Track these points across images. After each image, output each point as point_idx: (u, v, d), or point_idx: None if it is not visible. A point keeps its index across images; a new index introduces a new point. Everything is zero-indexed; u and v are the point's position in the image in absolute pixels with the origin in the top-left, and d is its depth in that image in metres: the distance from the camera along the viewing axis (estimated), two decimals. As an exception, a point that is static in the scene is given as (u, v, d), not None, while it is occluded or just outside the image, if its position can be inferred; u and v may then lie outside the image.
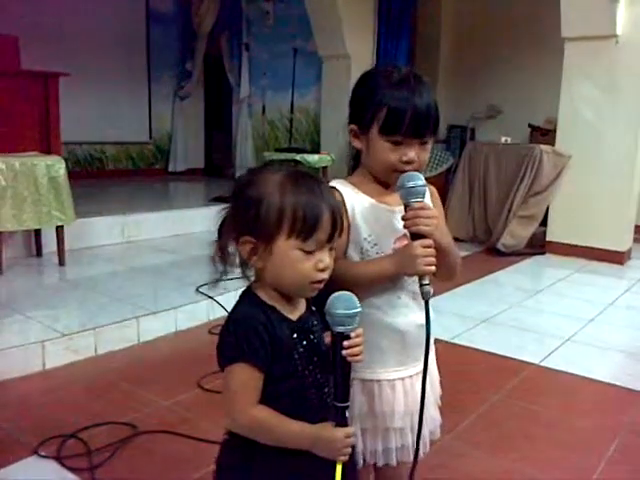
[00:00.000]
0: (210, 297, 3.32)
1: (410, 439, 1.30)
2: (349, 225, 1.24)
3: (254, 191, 1.02)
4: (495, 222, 5.58)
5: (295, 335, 1.05)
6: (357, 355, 1.03)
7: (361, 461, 1.30)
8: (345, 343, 1.02)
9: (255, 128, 8.27)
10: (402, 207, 1.19)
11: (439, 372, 1.42)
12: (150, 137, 8.47)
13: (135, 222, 4.86)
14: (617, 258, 5.11)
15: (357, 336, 1.03)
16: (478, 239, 5.73)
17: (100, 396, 2.47)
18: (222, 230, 1.07)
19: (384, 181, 1.28)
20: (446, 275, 1.28)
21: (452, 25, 7.48)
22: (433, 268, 1.16)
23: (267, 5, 7.90)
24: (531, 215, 5.47)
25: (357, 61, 6.53)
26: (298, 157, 6.14)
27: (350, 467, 1.08)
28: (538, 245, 5.51)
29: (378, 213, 1.26)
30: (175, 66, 8.63)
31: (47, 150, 4.40)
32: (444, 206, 1.49)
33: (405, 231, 1.19)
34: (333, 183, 1.26)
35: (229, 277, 1.09)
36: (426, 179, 1.29)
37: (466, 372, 2.75)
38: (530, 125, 6.52)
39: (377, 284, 1.24)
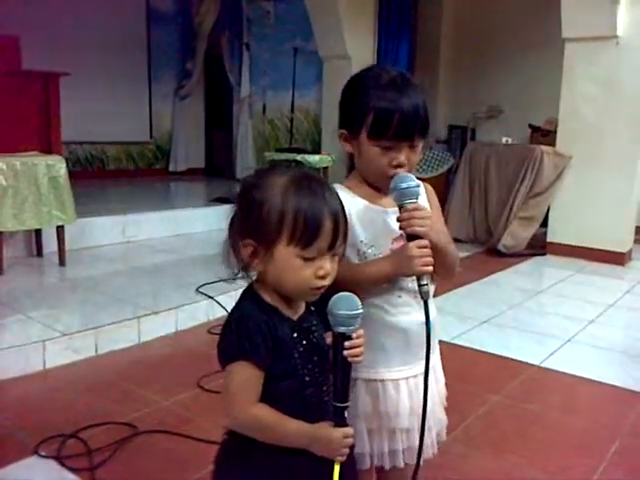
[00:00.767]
0: (210, 297, 3.32)
1: (417, 440, 1.29)
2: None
3: (258, 194, 1.02)
4: (496, 223, 5.58)
5: (295, 334, 1.05)
6: (358, 356, 1.03)
7: (368, 463, 1.29)
8: (346, 344, 1.02)
9: (256, 128, 8.27)
10: (396, 208, 1.19)
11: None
12: (151, 137, 8.47)
13: (135, 222, 4.86)
14: (618, 259, 5.11)
15: (358, 337, 1.04)
16: (478, 240, 5.73)
17: (100, 396, 2.47)
18: (231, 230, 1.07)
19: (377, 185, 1.28)
20: (444, 274, 1.28)
21: (453, 25, 7.48)
22: (430, 268, 1.16)
23: (267, 5, 7.90)
24: (532, 216, 5.46)
25: (358, 61, 6.52)
26: (299, 157, 6.14)
27: (349, 467, 1.08)
28: (539, 246, 5.51)
29: (372, 215, 1.26)
30: (175, 66, 8.63)
31: (48, 150, 4.41)
32: (444, 206, 1.49)
33: (401, 232, 1.19)
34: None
35: (229, 278, 1.09)
36: (426, 180, 1.30)
37: (466, 373, 2.75)
38: (531, 126, 6.52)
39: (376, 285, 1.24)
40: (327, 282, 1.03)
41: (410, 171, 1.22)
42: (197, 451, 2.04)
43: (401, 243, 1.21)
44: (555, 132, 5.53)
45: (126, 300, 3.31)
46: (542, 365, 2.96)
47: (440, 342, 1.41)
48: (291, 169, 1.07)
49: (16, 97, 4.39)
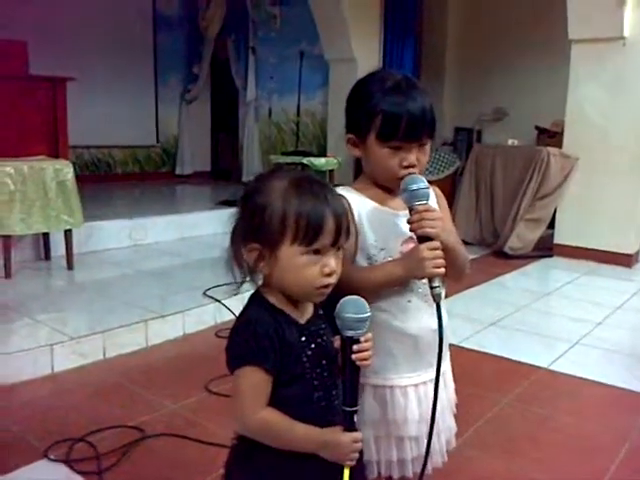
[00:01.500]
0: (218, 300, 3.33)
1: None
2: (357, 232, 1.24)
3: (259, 198, 1.03)
4: (502, 225, 5.56)
5: (304, 338, 1.05)
6: (366, 360, 1.03)
7: (375, 471, 1.28)
8: (354, 347, 1.02)
9: (262, 131, 8.28)
10: (406, 211, 1.19)
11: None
12: (157, 140, 8.49)
13: (142, 225, 4.88)
14: (625, 261, 5.09)
15: (366, 340, 1.04)
16: (485, 242, 5.71)
17: (108, 399, 2.47)
18: (234, 236, 1.07)
19: (387, 187, 1.28)
20: (455, 275, 1.28)
21: (458, 28, 7.47)
22: (442, 270, 1.16)
23: (273, 9, 7.92)
24: (538, 218, 5.45)
25: (363, 65, 6.52)
26: (305, 160, 6.14)
27: (359, 472, 1.08)
28: (546, 248, 5.49)
29: (382, 217, 1.26)
30: (182, 69, 8.65)
31: (55, 154, 4.42)
32: (451, 209, 1.49)
33: (411, 234, 1.19)
34: (338, 190, 1.26)
35: (235, 282, 1.09)
36: (433, 182, 1.29)
37: (474, 376, 2.74)
38: (537, 127, 6.50)
39: (386, 289, 1.24)
40: (333, 280, 1.03)
41: (421, 172, 1.23)
42: (205, 455, 2.04)
43: (411, 245, 1.21)
44: (562, 134, 5.51)
45: (133, 304, 3.32)
46: (550, 368, 2.95)
47: (449, 345, 1.41)
48: (291, 172, 1.08)
49: (24, 102, 4.41)
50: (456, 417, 1.41)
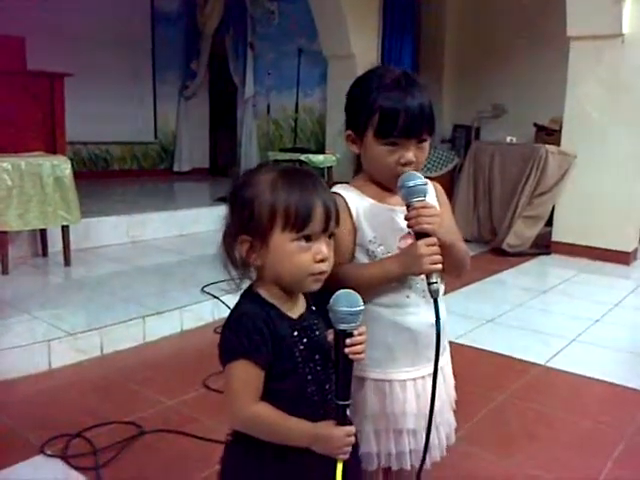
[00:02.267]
0: (215, 297, 3.33)
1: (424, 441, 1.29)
2: (355, 229, 1.24)
3: (247, 191, 1.04)
4: (500, 222, 5.56)
5: (296, 333, 1.05)
6: (359, 353, 1.03)
7: (375, 463, 1.29)
8: (347, 341, 1.02)
9: (260, 128, 8.28)
10: (404, 207, 1.19)
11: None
12: (155, 137, 8.49)
13: (140, 222, 4.87)
14: (623, 258, 5.10)
15: (360, 334, 1.04)
16: (483, 239, 5.71)
17: (106, 395, 2.47)
18: (225, 234, 1.08)
19: (385, 184, 1.27)
20: (455, 271, 1.28)
21: (457, 24, 7.46)
22: (439, 266, 1.16)
23: (272, 5, 7.91)
24: (536, 215, 5.45)
25: (362, 61, 6.52)
26: (303, 157, 6.14)
27: (353, 466, 1.08)
28: (543, 245, 5.49)
29: (380, 213, 1.26)
30: (180, 66, 8.64)
31: (52, 150, 4.42)
32: (450, 206, 1.48)
33: (409, 230, 1.19)
34: (336, 189, 1.27)
35: (231, 279, 1.09)
36: (431, 179, 1.29)
37: (471, 372, 2.74)
38: (535, 125, 6.50)
39: (383, 285, 1.24)
40: (325, 267, 1.04)
41: (418, 169, 1.22)
42: (203, 450, 2.04)
43: (409, 241, 1.21)
44: (560, 131, 5.51)
45: (131, 300, 3.32)
46: (547, 365, 2.95)
47: (448, 342, 1.41)
48: (278, 165, 1.09)
49: (21, 98, 4.40)
50: (454, 413, 1.41)
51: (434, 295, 1.16)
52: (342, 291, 1.03)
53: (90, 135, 7.28)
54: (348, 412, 1.04)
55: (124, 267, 4.08)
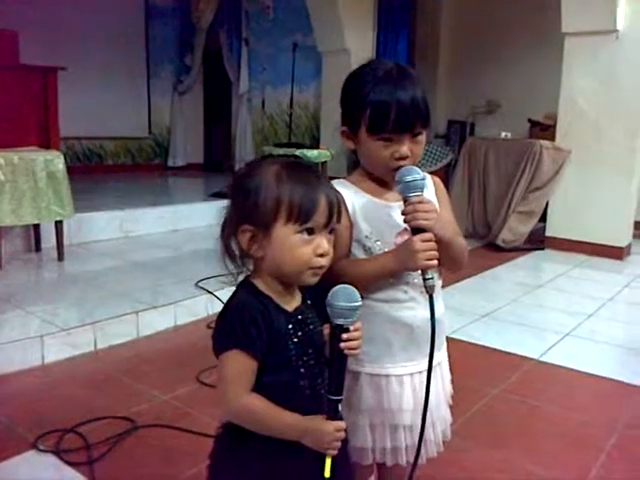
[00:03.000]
0: (209, 292, 3.33)
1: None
2: (351, 224, 1.23)
3: (252, 181, 1.03)
4: (494, 217, 5.57)
5: (290, 326, 1.05)
6: (355, 349, 1.03)
7: (370, 458, 1.29)
8: (344, 336, 1.02)
9: (254, 123, 8.26)
10: (401, 202, 1.18)
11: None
12: (149, 132, 8.45)
13: (134, 217, 4.86)
14: (617, 253, 5.12)
15: (356, 330, 1.03)
16: (477, 234, 5.72)
17: (99, 390, 2.47)
18: (225, 225, 1.07)
19: (382, 179, 1.26)
20: (452, 267, 1.28)
21: (452, 19, 7.46)
22: (435, 262, 1.15)
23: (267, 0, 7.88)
24: (531, 210, 5.46)
25: (357, 56, 6.51)
26: (297, 152, 6.11)
27: (343, 461, 1.08)
28: (537, 240, 5.51)
29: (376, 209, 1.25)
30: (174, 61, 8.62)
31: (46, 145, 4.39)
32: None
33: (405, 225, 1.18)
34: (333, 184, 1.26)
35: (228, 273, 1.09)
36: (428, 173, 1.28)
37: (465, 367, 2.73)
38: (530, 120, 6.51)
39: (380, 281, 1.23)
40: (325, 262, 1.04)
41: (415, 163, 1.21)
42: (196, 445, 2.04)
43: (406, 237, 1.20)
44: (554, 126, 5.53)
45: (125, 295, 3.31)
46: (541, 359, 2.96)
47: (445, 337, 1.40)
48: (280, 158, 1.09)
49: (14, 92, 4.37)
50: (450, 408, 1.41)
51: (429, 291, 1.16)
52: (340, 286, 1.03)
53: (84, 130, 7.25)
54: (340, 407, 1.03)
55: (118, 262, 4.07)
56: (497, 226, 5.47)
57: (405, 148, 1.19)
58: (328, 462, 1.01)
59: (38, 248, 4.19)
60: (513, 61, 6.90)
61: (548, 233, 5.47)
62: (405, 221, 1.17)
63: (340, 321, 1.02)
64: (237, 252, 1.06)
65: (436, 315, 1.17)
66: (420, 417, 1.20)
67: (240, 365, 1.00)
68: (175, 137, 8.60)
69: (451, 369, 1.42)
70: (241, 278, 1.09)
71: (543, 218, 5.53)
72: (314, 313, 1.10)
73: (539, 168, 5.31)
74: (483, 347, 3.09)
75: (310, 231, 1.02)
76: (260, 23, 8.03)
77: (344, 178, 1.31)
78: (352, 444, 1.22)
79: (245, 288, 1.06)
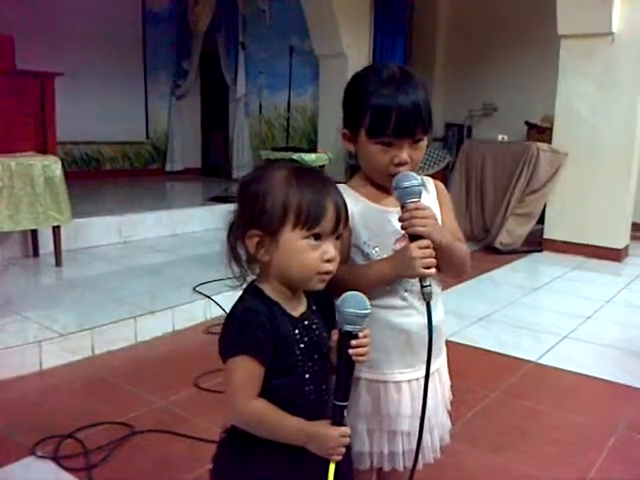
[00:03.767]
0: (207, 296, 3.32)
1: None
2: (350, 230, 1.22)
3: (260, 186, 1.03)
4: (492, 220, 5.58)
5: (297, 331, 1.05)
6: (363, 355, 1.03)
7: (367, 463, 1.28)
8: (352, 342, 1.02)
9: (252, 127, 8.27)
10: (399, 208, 1.17)
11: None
12: (147, 137, 8.46)
13: (132, 222, 4.85)
14: (614, 255, 5.12)
15: (365, 336, 1.04)
16: (475, 237, 5.73)
17: (97, 396, 2.46)
18: (231, 229, 1.07)
19: (381, 184, 1.25)
20: (453, 273, 1.27)
21: (448, 23, 7.49)
22: (432, 270, 1.14)
23: (263, 4, 7.90)
24: (528, 213, 5.47)
25: (353, 60, 6.54)
26: (295, 156, 6.13)
27: (346, 467, 1.08)
28: (535, 243, 5.52)
29: (375, 215, 1.24)
30: (171, 65, 8.61)
31: (43, 150, 4.39)
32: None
33: (404, 232, 1.17)
34: None
35: (230, 277, 1.09)
36: (429, 176, 1.28)
37: (463, 370, 2.73)
38: (527, 123, 6.52)
39: (378, 286, 1.22)
40: (332, 267, 1.04)
41: (414, 169, 1.20)
42: (194, 450, 2.04)
43: (404, 243, 1.18)
44: (551, 129, 5.54)
45: (123, 300, 3.31)
46: (539, 361, 2.96)
47: (445, 342, 1.39)
48: (288, 163, 1.09)
49: (11, 97, 4.37)
50: (450, 414, 1.40)
51: (427, 298, 1.14)
52: (350, 293, 1.03)
53: (81, 135, 7.25)
54: (345, 413, 1.03)
55: (116, 267, 4.06)
56: (495, 229, 5.48)
57: (404, 154, 1.18)
58: (332, 468, 1.01)
59: (36, 254, 4.18)
60: (510, 64, 6.92)
61: (546, 235, 5.48)
62: (402, 228, 1.15)
63: (349, 327, 1.02)
64: (244, 256, 1.06)
65: (434, 322, 1.16)
66: (418, 423, 1.19)
67: (248, 371, 1.00)
68: (173, 141, 8.60)
69: (449, 372, 1.41)
70: (246, 283, 1.09)
71: (541, 220, 5.54)
72: (319, 319, 1.11)
73: (536, 170, 5.32)
74: (481, 350, 3.09)
75: (317, 237, 1.02)
76: (257, 27, 8.04)
77: (344, 183, 1.30)
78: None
79: (252, 293, 1.06)
